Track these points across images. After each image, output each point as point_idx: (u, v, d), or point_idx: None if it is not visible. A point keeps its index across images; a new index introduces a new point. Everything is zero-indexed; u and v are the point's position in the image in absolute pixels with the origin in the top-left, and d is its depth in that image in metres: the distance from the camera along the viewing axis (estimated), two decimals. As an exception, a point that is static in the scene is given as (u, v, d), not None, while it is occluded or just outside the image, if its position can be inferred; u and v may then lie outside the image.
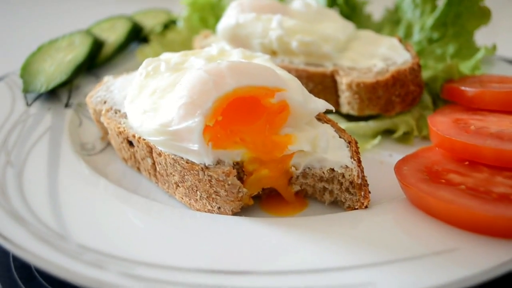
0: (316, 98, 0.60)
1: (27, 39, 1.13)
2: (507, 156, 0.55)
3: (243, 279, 0.45)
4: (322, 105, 0.59)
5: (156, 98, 0.59)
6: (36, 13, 1.67)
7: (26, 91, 0.80)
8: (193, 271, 0.46)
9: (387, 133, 0.76)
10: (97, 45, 0.92)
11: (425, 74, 0.85)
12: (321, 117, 0.62)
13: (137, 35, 1.06)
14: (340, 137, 0.59)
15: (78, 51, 0.88)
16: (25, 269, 0.54)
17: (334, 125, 0.61)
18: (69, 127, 0.76)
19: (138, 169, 0.66)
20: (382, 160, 0.70)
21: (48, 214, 0.53)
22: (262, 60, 0.64)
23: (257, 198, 0.60)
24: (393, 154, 0.72)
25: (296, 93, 0.57)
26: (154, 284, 0.43)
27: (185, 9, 1.11)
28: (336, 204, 0.59)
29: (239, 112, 0.54)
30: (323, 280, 0.44)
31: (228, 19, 0.85)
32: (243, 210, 0.57)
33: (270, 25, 0.80)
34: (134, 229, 0.53)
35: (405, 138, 0.75)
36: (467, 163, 0.58)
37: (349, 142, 0.58)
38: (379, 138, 0.74)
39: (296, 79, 0.60)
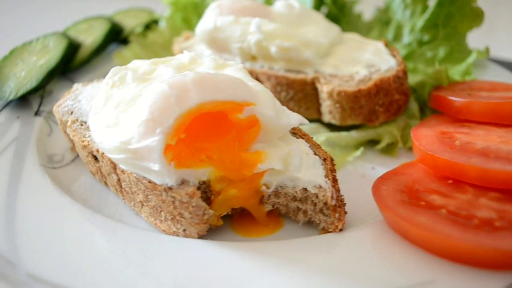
0: (290, 112, 0.56)
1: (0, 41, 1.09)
2: (492, 176, 0.51)
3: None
4: (296, 119, 0.55)
5: (119, 111, 0.55)
6: (11, 14, 1.62)
7: (-6, 97, 0.76)
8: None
9: (371, 144, 0.72)
10: (72, 48, 0.88)
11: (414, 79, 0.82)
12: (296, 131, 0.59)
13: (116, 37, 1.01)
14: (314, 153, 0.55)
15: (51, 55, 0.84)
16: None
17: (309, 139, 0.58)
18: (38, 137, 0.72)
19: (106, 183, 0.63)
20: (364, 174, 0.67)
21: (1, 235, 0.50)
22: (234, 69, 0.60)
23: (228, 217, 0.56)
24: (376, 167, 0.68)
25: (267, 107, 0.53)
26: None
27: (167, 9, 1.07)
28: (312, 224, 0.56)
29: (205, 128, 0.51)
30: None
31: (206, 22, 0.81)
32: (212, 231, 0.54)
33: (249, 29, 0.76)
34: (94, 255, 0.49)
35: (389, 150, 0.71)
36: (450, 181, 0.55)
37: (324, 159, 0.55)
38: (361, 149, 0.70)
39: (268, 91, 0.56)
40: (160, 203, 0.51)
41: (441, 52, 0.91)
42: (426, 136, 0.60)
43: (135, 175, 0.52)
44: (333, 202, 0.51)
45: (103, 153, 0.56)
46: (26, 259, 0.47)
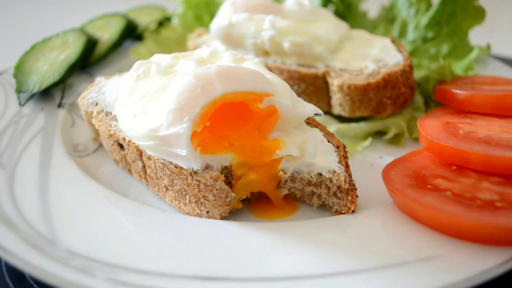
0: (305, 103, 0.60)
1: (21, 37, 1.13)
2: (493, 162, 0.55)
3: (231, 285, 0.46)
4: (311, 109, 0.59)
5: (145, 102, 0.59)
6: (29, 11, 1.66)
7: (19, 91, 0.80)
8: (181, 277, 0.46)
9: (378, 134, 0.77)
10: (91, 43, 0.92)
11: (418, 74, 0.85)
12: (311, 121, 0.63)
13: (131, 33, 1.05)
14: (328, 141, 0.59)
15: (71, 50, 0.88)
16: (16, 272, 0.55)
17: (323, 129, 0.62)
18: (62, 127, 0.76)
19: (129, 171, 0.67)
20: (372, 163, 0.71)
21: (38, 218, 0.53)
22: (252, 63, 0.64)
23: (246, 201, 0.60)
24: (383, 156, 0.72)
25: (285, 97, 0.57)
26: (141, 291, 0.43)
27: (179, 6, 1.11)
28: (325, 208, 0.60)
29: (228, 117, 0.55)
30: (311, 286, 0.45)
31: (221, 19, 0.85)
32: (232, 214, 0.58)
33: (263, 26, 0.80)
34: (123, 234, 0.53)
35: (396, 140, 0.76)
36: (455, 167, 0.59)
37: (338, 147, 0.59)
38: (370, 139, 0.74)
39: (285, 83, 0.60)
40: (186, 186, 0.55)
41: (444, 48, 0.95)
42: (432, 126, 0.64)
43: (161, 160, 0.56)
44: (346, 186, 0.55)
45: (129, 141, 0.60)
46: (63, 238, 0.51)
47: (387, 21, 1.06)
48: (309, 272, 0.47)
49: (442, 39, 0.96)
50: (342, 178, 0.55)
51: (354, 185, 0.57)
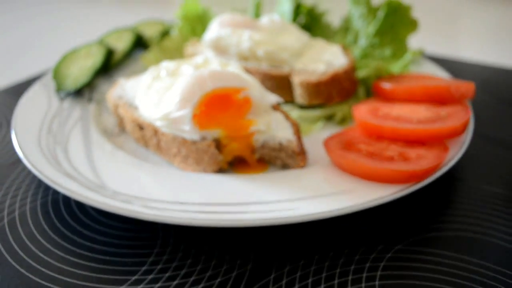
0: (271, 94, 0.86)
1: (48, 47, 1.39)
2: (399, 132, 0.81)
3: (222, 208, 0.71)
4: (274, 98, 0.85)
5: (160, 95, 0.85)
6: (51, 25, 1.92)
7: (59, 90, 1.06)
8: (188, 204, 0.71)
9: (329, 118, 1.03)
10: (109, 53, 1.18)
11: (362, 73, 1.11)
12: (276, 108, 0.89)
13: (139, 43, 1.31)
14: (286, 121, 0.85)
15: (95, 59, 1.13)
16: (82, 206, 0.80)
17: (283, 113, 0.88)
18: (93, 117, 1.01)
19: (146, 146, 0.92)
20: (324, 138, 0.97)
21: (89, 173, 0.78)
22: (234, 67, 0.90)
23: (230, 164, 0.86)
24: (332, 133, 0.98)
25: (256, 90, 0.83)
26: (163, 211, 0.69)
27: (178, 21, 1.37)
28: (285, 166, 0.85)
29: (217, 104, 0.80)
30: (271, 207, 0.69)
31: (211, 33, 1.10)
32: (221, 172, 0.84)
33: (242, 38, 1.06)
34: (147, 181, 0.78)
35: (343, 122, 1.01)
36: (375, 137, 0.85)
37: (293, 124, 0.85)
38: (323, 122, 1.00)
39: (257, 81, 0.86)
40: (189, 152, 0.81)
41: (387, 52, 1.18)
42: (362, 110, 0.90)
43: (171, 135, 0.82)
44: (298, 150, 0.81)
45: (148, 123, 0.86)
46: (108, 184, 0.76)
47: (344, 30, 1.31)
48: (271, 199, 0.71)
49: (385, 45, 1.19)
50: (295, 145, 0.81)
51: (303, 149, 0.83)
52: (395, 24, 1.19)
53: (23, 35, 1.81)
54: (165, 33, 1.37)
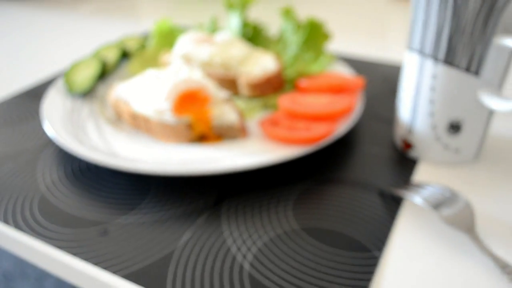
0: (223, 90, 1.29)
1: (51, 58, 1.78)
2: (307, 113, 1.26)
3: (195, 164, 1.13)
4: (225, 93, 1.28)
5: (148, 93, 1.26)
6: (51, 39, 2.30)
7: (70, 91, 1.46)
8: (174, 164, 1.13)
9: (265, 106, 1.46)
10: (104, 64, 1.58)
11: (290, 73, 1.55)
12: (228, 100, 1.31)
13: (124, 54, 1.71)
14: (234, 108, 1.28)
15: (95, 68, 1.53)
16: (101, 168, 1.21)
17: (232, 103, 1.30)
18: (99, 110, 1.42)
19: (139, 129, 1.33)
20: (259, 119, 1.40)
21: (104, 147, 1.20)
22: (197, 73, 1.32)
23: (198, 139, 1.28)
24: (265, 116, 1.42)
25: (212, 89, 1.26)
26: (155, 165, 1.11)
27: (153, 36, 1.77)
28: (233, 138, 1.28)
29: (187, 99, 1.23)
30: (223, 161, 1.13)
31: (179, 47, 1.52)
32: (191, 143, 1.26)
33: (203, 51, 1.48)
34: (142, 149, 1.20)
35: (273, 108, 1.44)
36: (292, 117, 1.29)
37: (238, 111, 1.28)
38: (260, 108, 1.44)
39: (214, 81, 1.29)
40: (169, 132, 1.23)
41: (309, 57, 1.65)
42: (284, 99, 1.32)
43: (157, 121, 1.23)
44: (239, 126, 1.24)
45: (140, 114, 1.27)
46: (119, 153, 1.17)
47: (278, 41, 1.76)
48: (223, 156, 1.15)
49: (308, 51, 1.64)
50: (237, 123, 1.24)
51: (244, 127, 1.25)
52: (314, 36, 1.60)
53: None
54: (142, 45, 1.77)
